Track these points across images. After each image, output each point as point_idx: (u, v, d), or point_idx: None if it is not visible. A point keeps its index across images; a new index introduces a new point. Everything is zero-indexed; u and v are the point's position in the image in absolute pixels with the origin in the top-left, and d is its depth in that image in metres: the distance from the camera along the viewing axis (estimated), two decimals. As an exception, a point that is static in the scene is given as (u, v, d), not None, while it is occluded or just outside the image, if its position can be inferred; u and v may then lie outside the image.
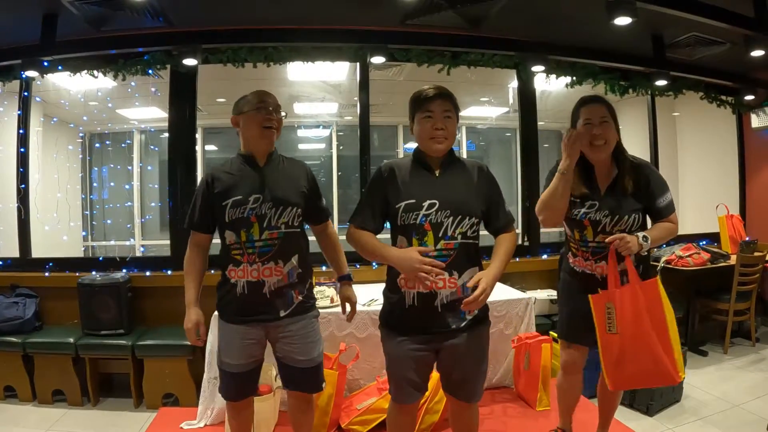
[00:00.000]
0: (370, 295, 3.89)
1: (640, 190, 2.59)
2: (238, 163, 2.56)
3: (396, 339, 2.37)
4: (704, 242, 5.70)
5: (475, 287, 2.19)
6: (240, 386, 2.60)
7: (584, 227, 2.65)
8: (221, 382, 2.62)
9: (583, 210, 2.64)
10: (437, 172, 2.38)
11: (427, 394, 3.34)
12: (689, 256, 4.97)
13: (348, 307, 2.84)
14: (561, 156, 2.60)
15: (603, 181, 2.66)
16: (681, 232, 5.86)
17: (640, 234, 2.49)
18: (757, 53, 4.43)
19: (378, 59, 4.53)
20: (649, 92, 5.62)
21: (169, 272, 4.43)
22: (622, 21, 3.73)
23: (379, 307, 2.50)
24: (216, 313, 2.62)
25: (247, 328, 2.50)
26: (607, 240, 2.51)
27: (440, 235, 2.26)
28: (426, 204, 2.27)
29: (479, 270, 2.35)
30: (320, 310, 3.56)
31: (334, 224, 7.47)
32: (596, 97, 2.65)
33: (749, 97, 5.84)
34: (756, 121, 6.00)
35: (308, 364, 2.58)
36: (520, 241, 5.27)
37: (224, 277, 2.54)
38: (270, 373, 3.46)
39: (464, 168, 2.42)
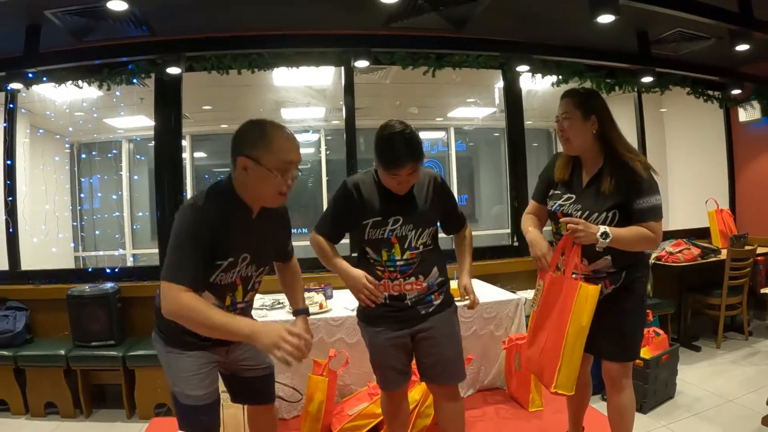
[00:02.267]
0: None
1: (622, 187, 2.42)
2: (234, 207, 2.09)
3: (373, 330, 2.60)
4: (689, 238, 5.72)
5: (441, 281, 2.61)
6: (213, 419, 2.28)
7: (558, 219, 2.60)
8: (187, 422, 2.24)
9: (558, 202, 2.61)
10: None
11: (417, 398, 3.36)
12: (679, 251, 4.98)
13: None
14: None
15: (588, 173, 2.58)
16: (671, 227, 5.92)
17: (602, 227, 2.34)
18: (742, 48, 4.43)
19: (362, 63, 4.53)
20: (636, 89, 5.63)
21: (159, 281, 4.40)
22: (606, 19, 3.71)
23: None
24: (162, 345, 2.25)
25: (209, 353, 2.24)
26: (561, 220, 2.48)
27: (405, 246, 2.50)
28: (391, 220, 2.48)
29: (441, 270, 2.62)
30: (309, 317, 3.58)
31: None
32: (567, 92, 2.59)
33: (736, 92, 5.85)
34: (743, 115, 6.03)
35: (270, 371, 2.51)
36: (509, 242, 5.29)
37: None
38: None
39: (421, 182, 2.56)
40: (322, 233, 2.63)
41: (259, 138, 2.00)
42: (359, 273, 2.48)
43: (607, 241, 2.32)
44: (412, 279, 2.52)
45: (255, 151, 1.99)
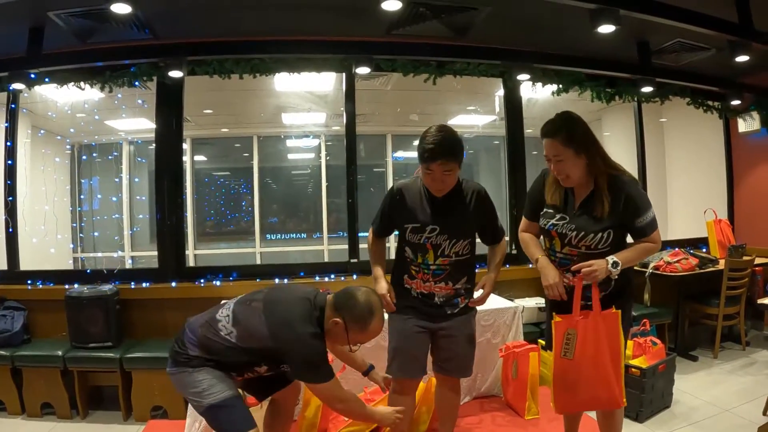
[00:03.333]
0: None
1: (618, 209, 2.49)
2: (316, 332, 2.35)
3: (403, 317, 2.82)
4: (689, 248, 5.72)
5: (468, 287, 2.87)
6: (246, 407, 2.46)
7: (552, 237, 2.67)
8: (235, 417, 2.35)
9: (552, 221, 2.64)
10: (440, 200, 2.73)
11: (416, 404, 3.36)
12: (677, 261, 4.98)
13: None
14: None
15: (579, 195, 2.60)
16: (670, 237, 5.93)
17: (610, 259, 2.45)
18: (742, 58, 4.44)
19: (363, 70, 4.53)
20: (636, 99, 5.64)
21: (157, 284, 4.42)
22: (606, 29, 3.73)
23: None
24: (191, 370, 2.39)
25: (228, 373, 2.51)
26: (573, 268, 2.51)
27: (439, 253, 2.75)
28: (428, 228, 2.72)
29: (470, 278, 2.88)
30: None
31: (323, 232, 7.61)
32: (549, 131, 2.52)
33: (735, 102, 5.86)
34: (743, 125, 6.05)
35: None
36: (508, 250, 5.27)
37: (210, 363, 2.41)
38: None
39: (463, 194, 2.77)
40: (374, 227, 2.97)
41: (362, 321, 2.35)
42: (383, 287, 2.78)
43: (618, 269, 2.46)
44: (442, 284, 2.78)
45: (351, 324, 2.34)
